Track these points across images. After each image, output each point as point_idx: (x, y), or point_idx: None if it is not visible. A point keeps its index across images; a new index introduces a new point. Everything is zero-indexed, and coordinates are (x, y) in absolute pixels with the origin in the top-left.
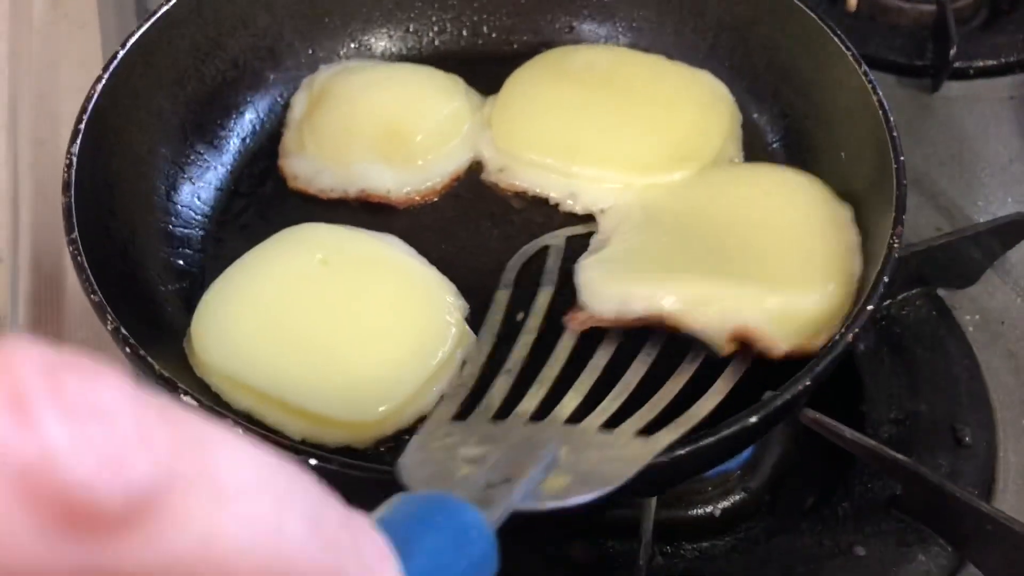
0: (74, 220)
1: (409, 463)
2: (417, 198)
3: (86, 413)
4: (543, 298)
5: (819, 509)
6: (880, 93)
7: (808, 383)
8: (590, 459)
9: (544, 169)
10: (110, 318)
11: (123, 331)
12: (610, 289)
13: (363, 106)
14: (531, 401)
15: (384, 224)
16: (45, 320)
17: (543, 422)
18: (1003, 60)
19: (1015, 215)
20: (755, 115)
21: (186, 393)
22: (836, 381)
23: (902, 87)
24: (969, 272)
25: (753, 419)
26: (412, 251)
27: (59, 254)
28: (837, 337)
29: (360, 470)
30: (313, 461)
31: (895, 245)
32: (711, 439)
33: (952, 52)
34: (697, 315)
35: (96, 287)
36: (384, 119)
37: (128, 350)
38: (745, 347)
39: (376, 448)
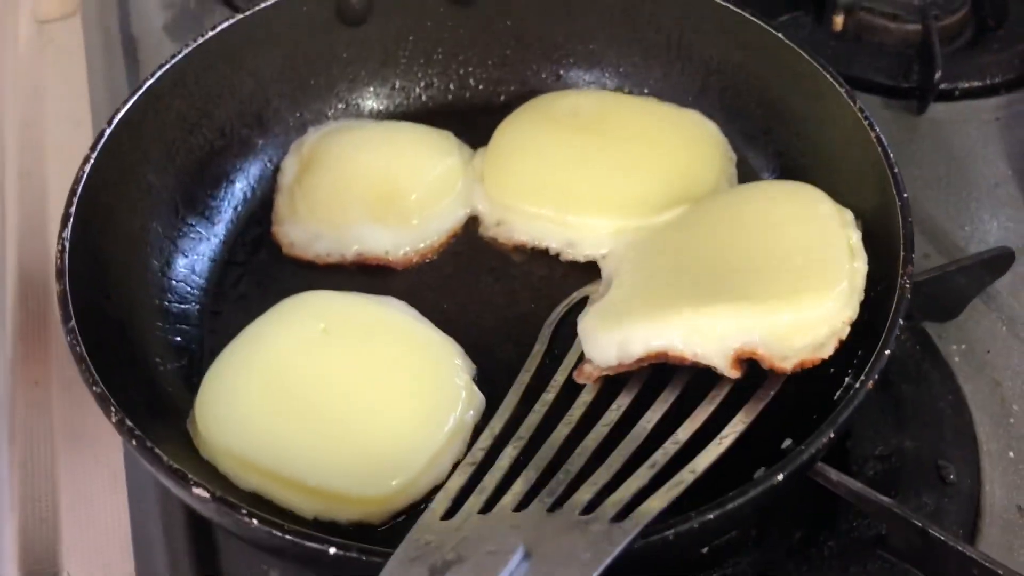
0: (70, 308)
1: None
2: (415, 258)
3: None
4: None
5: (805, 547)
6: (877, 129)
7: (832, 435)
8: (559, 556)
9: (541, 220)
10: (114, 410)
11: (128, 423)
12: (607, 336)
13: (355, 167)
14: (521, 485)
15: (383, 286)
16: (32, 356)
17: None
18: (988, 81)
19: (1000, 249)
20: (750, 155)
21: (197, 485)
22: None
23: (888, 108)
24: (955, 305)
25: (779, 477)
26: (415, 313)
27: (44, 290)
28: (857, 385)
29: (380, 555)
30: (332, 550)
31: (907, 285)
32: (740, 500)
33: (937, 76)
34: (695, 344)
35: (97, 378)
36: (377, 180)
37: (135, 442)
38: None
39: (391, 522)
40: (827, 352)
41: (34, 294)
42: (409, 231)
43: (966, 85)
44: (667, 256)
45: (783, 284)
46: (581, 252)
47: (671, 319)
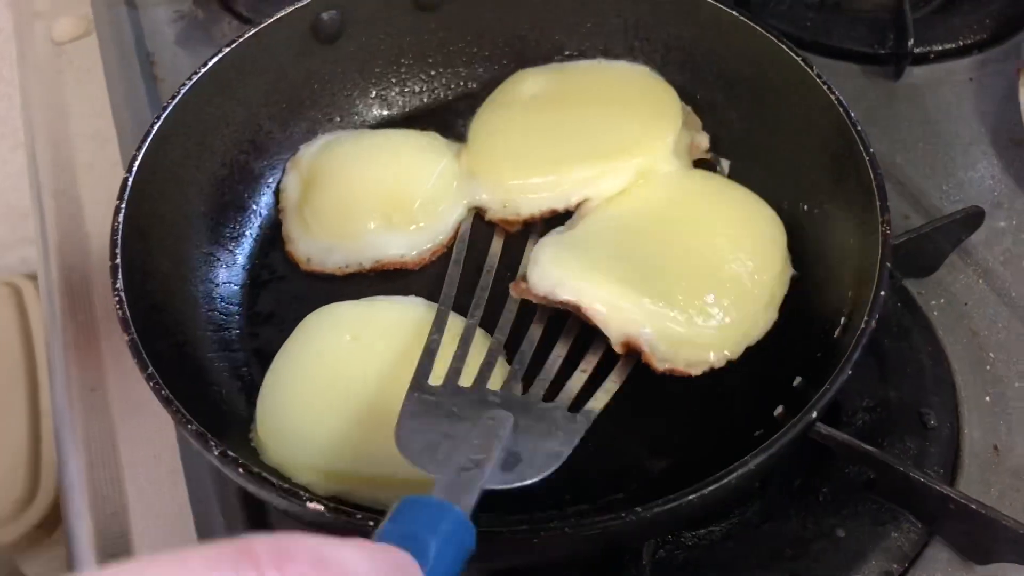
0: (144, 355)
1: (403, 435)
2: (429, 256)
3: None
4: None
5: (804, 494)
6: (836, 91)
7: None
8: (539, 432)
9: (540, 188)
10: (214, 444)
11: (231, 454)
12: (550, 272)
13: (358, 179)
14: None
15: (404, 287)
16: (86, 364)
17: (501, 392)
18: (961, 43)
19: (971, 208)
20: (713, 122)
21: (311, 499)
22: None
23: (866, 76)
24: (933, 261)
25: (786, 440)
26: (433, 304)
27: (89, 301)
28: (863, 326)
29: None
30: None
31: (888, 232)
32: (746, 468)
33: (910, 42)
34: (603, 317)
35: (190, 417)
36: (381, 188)
37: (241, 471)
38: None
39: None
40: (696, 372)
41: (81, 306)
42: (419, 232)
43: (940, 48)
44: (629, 225)
45: (709, 298)
46: (575, 202)
47: (600, 289)
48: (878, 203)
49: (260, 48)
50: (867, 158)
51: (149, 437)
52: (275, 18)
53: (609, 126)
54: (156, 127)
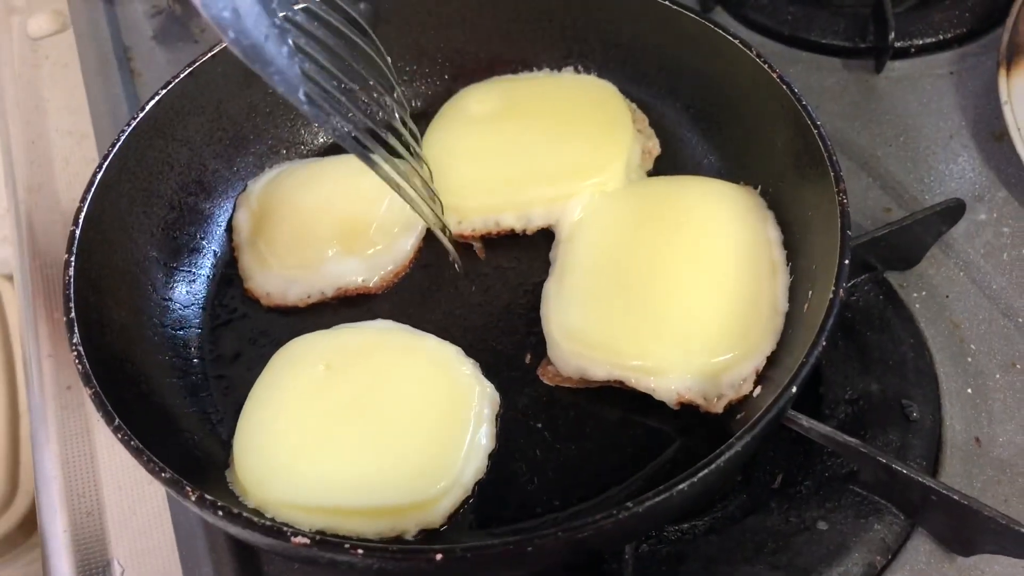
0: (109, 408)
1: None
2: (391, 278)
3: None
4: None
5: (785, 487)
6: (778, 70)
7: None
8: None
9: (494, 207)
10: (190, 490)
11: (208, 497)
12: (571, 351)
13: (310, 208)
14: None
15: (369, 311)
16: (62, 360)
17: None
18: (941, 37)
19: (952, 201)
20: (664, 113)
21: (296, 534)
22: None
23: (848, 70)
24: (914, 254)
25: (756, 431)
26: (406, 327)
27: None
28: (831, 295)
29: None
30: (439, 556)
31: (845, 201)
32: (704, 473)
33: (891, 36)
34: (652, 387)
35: (164, 465)
36: (335, 215)
37: (221, 513)
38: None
39: (449, 522)
40: (749, 388)
41: (58, 304)
42: (378, 256)
43: (920, 42)
44: (617, 261)
45: (722, 333)
46: (536, 224)
47: (631, 359)
48: (832, 174)
49: (197, 86)
50: (816, 131)
51: None
52: (210, 55)
53: (562, 144)
54: (99, 176)
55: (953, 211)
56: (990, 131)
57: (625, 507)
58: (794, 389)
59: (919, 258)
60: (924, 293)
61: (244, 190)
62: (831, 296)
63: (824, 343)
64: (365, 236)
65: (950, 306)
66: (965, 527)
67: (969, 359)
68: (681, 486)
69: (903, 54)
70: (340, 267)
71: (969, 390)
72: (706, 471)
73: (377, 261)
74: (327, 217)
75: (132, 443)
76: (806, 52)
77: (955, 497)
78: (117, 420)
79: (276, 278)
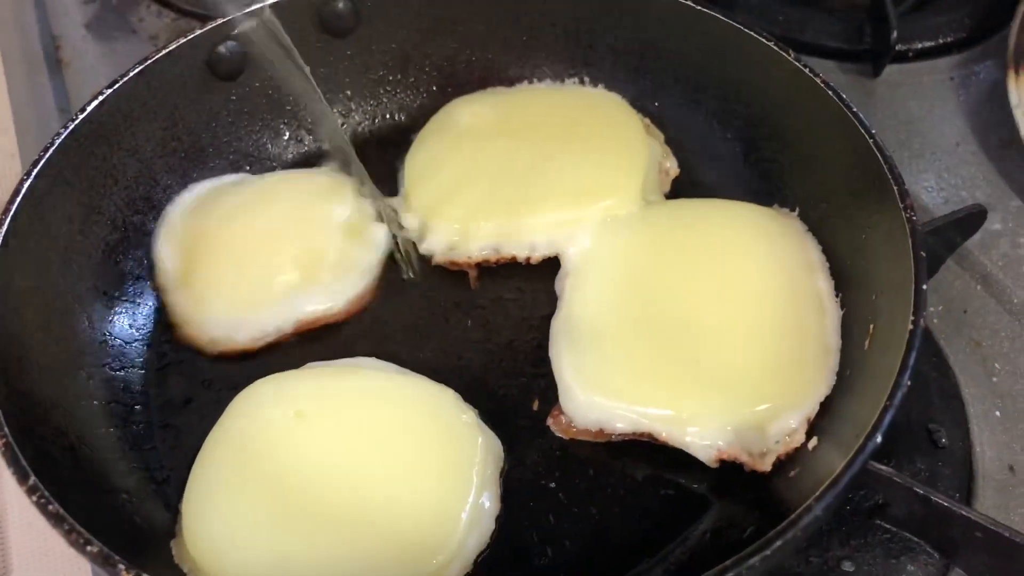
0: (23, 462)
1: None
2: (359, 302)
3: None
4: None
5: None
6: (822, 76)
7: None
8: None
9: (488, 235)
10: (123, 568)
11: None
12: (587, 401)
13: (254, 238)
14: None
15: (343, 347)
16: None
17: None
18: (941, 41)
19: (973, 207)
20: (691, 139)
21: None
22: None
23: (843, 72)
24: (930, 266)
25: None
26: (392, 366)
27: None
28: (911, 326)
29: None
30: None
31: (914, 217)
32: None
33: (893, 36)
34: (685, 442)
35: (89, 536)
36: (283, 241)
37: None
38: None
39: None
40: (800, 439)
41: None
42: (342, 279)
43: (919, 46)
44: (635, 294)
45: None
46: (541, 252)
47: (660, 409)
48: (895, 188)
49: (149, 89)
50: (871, 140)
51: None
52: (164, 52)
53: (568, 163)
54: (26, 185)
55: (973, 219)
56: (997, 138)
57: None
58: (879, 438)
59: (934, 271)
60: (941, 308)
61: (161, 217)
62: (911, 327)
63: (909, 382)
64: (321, 264)
65: (969, 322)
66: (1011, 567)
67: (994, 379)
68: (752, 560)
69: (901, 58)
70: (297, 299)
71: (997, 412)
72: (781, 541)
73: (340, 287)
74: (274, 244)
75: (50, 508)
76: (798, 54)
77: (1005, 533)
78: (32, 478)
79: (219, 322)
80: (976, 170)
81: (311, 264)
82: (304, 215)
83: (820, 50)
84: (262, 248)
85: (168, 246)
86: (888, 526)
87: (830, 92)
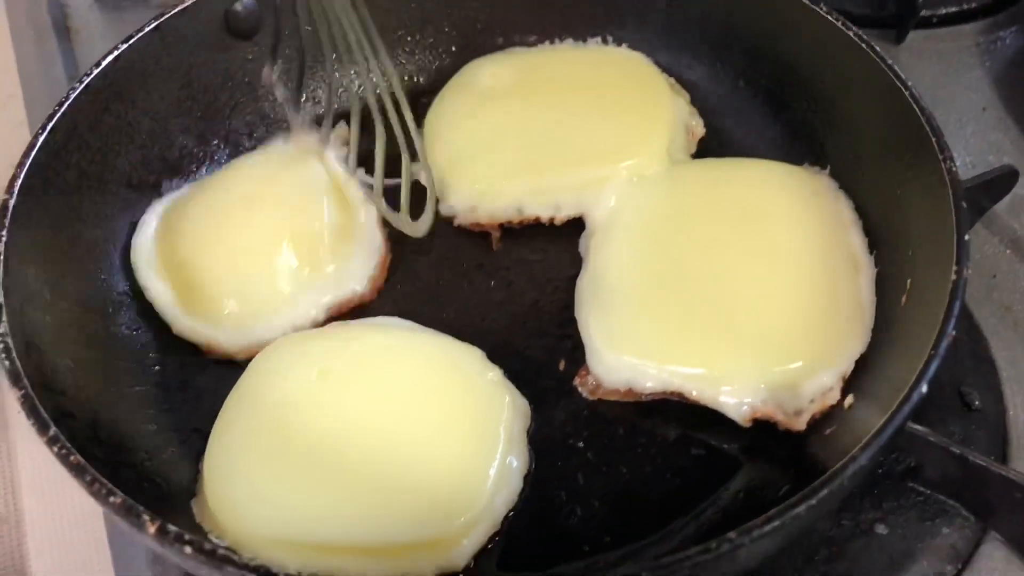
0: (43, 413)
1: None
2: (380, 277)
3: None
4: None
5: None
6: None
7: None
8: None
9: (511, 195)
10: (147, 519)
11: (171, 529)
12: (615, 361)
13: (253, 237)
14: None
15: (359, 312)
16: None
17: None
18: (965, 6)
19: (1003, 167)
20: (717, 100)
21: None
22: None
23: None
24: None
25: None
26: (415, 326)
27: None
28: (954, 276)
29: None
30: None
31: (954, 169)
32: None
33: (919, 1)
34: (718, 401)
35: (113, 487)
36: (286, 237)
37: (190, 549)
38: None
39: (473, 563)
40: (835, 397)
41: None
42: (349, 258)
43: (943, 11)
44: (661, 253)
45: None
46: (566, 211)
47: (690, 368)
48: (934, 140)
49: (164, 46)
50: (907, 92)
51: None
52: (180, 8)
53: (592, 122)
54: (41, 138)
55: (1003, 180)
56: None
57: (727, 539)
58: (924, 387)
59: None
60: (970, 272)
61: (134, 250)
62: (954, 278)
63: (954, 332)
64: (322, 251)
65: (999, 286)
66: None
67: None
68: (798, 509)
69: (925, 24)
70: (314, 286)
71: None
72: (827, 491)
73: (350, 263)
74: (265, 240)
75: (72, 458)
76: None
77: None
78: (53, 429)
79: (242, 333)
80: (1003, 135)
81: (311, 250)
82: (293, 210)
83: (843, 16)
84: (255, 253)
85: (153, 279)
86: (922, 488)
87: (863, 45)
